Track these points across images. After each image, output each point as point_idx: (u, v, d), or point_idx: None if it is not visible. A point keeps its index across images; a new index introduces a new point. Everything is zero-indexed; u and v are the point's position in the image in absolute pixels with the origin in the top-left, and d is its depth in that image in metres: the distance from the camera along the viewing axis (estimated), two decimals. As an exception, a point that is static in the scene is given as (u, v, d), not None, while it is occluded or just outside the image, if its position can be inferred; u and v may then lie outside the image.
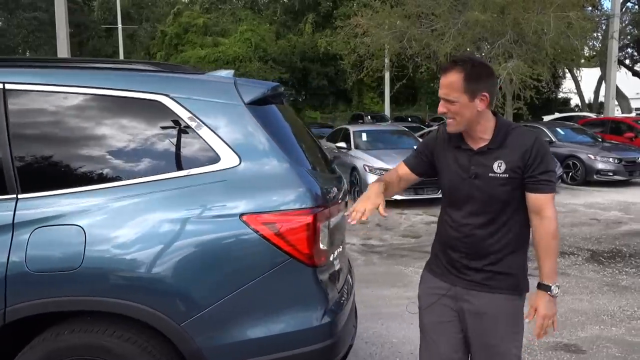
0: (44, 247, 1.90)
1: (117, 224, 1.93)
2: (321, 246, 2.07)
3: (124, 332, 1.95)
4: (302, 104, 33.21)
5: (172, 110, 2.04)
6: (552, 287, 1.85)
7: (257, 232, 1.96)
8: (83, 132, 2.05)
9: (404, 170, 2.10)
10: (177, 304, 1.93)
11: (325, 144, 11.88)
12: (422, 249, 6.10)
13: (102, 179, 2.00)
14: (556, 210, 1.87)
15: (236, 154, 2.02)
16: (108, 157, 2.04)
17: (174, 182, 1.99)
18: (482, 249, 1.90)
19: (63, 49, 12.65)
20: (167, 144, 2.06)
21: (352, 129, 10.75)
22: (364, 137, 10.31)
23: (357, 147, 9.97)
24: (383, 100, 28.16)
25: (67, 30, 12.54)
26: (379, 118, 25.31)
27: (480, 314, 1.91)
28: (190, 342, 1.93)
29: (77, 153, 2.04)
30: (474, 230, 1.90)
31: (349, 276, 2.63)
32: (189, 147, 2.05)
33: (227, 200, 1.99)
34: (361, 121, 24.20)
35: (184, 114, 2.04)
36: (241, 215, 1.96)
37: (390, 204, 8.74)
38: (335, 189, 2.37)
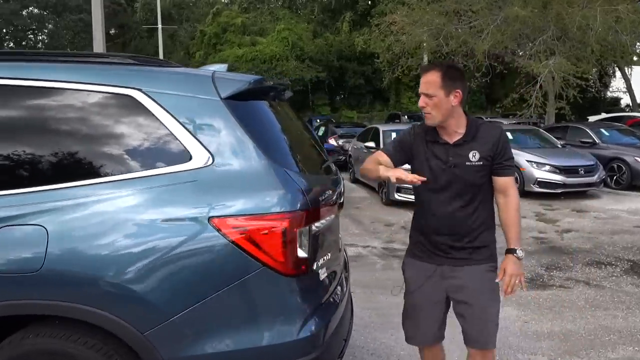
0: (4, 248, 1.81)
1: (81, 226, 1.82)
2: (300, 254, 1.90)
3: (89, 339, 1.84)
4: (339, 103, 33.01)
5: (143, 106, 1.91)
6: (517, 251, 2.18)
7: (227, 237, 1.81)
8: (46, 128, 1.94)
9: (384, 158, 2.28)
10: (140, 312, 1.80)
11: (355, 143, 11.69)
12: (446, 254, 5.80)
13: (66, 177, 1.89)
14: (517, 189, 2.27)
15: (209, 152, 1.88)
16: (73, 154, 1.93)
17: (140, 181, 1.86)
18: (463, 228, 2.21)
19: (99, 48, 12.90)
20: (137, 142, 1.93)
21: (382, 128, 10.48)
22: (394, 136, 9.99)
23: (385, 147, 9.68)
24: (421, 100, 27.59)
25: (103, 31, 12.78)
26: (416, 118, 24.78)
27: (465, 286, 2.22)
28: (154, 353, 1.80)
29: (40, 150, 1.93)
30: (455, 212, 2.20)
31: (343, 276, 2.46)
32: (159, 144, 1.91)
33: (196, 202, 1.84)
34: (397, 121, 23.78)
35: (156, 110, 1.91)
36: (210, 218, 1.81)
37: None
38: (325, 191, 2.19)
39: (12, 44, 30.08)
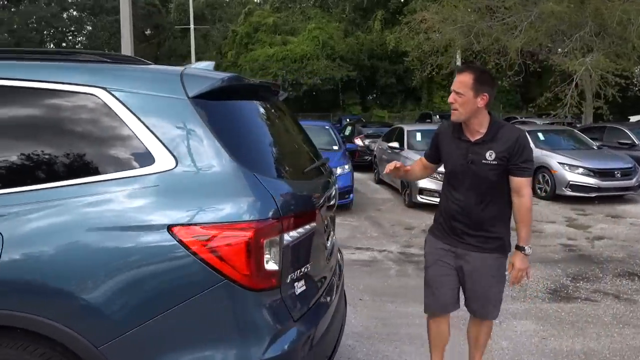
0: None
1: (34, 232, 1.71)
2: (268, 267, 1.74)
3: (48, 350, 1.73)
4: (370, 102, 32.69)
5: (107, 105, 1.79)
6: (526, 248, 2.45)
7: (187, 247, 1.67)
8: (2, 129, 1.84)
9: (426, 162, 2.72)
10: (95, 325, 1.68)
11: (380, 143, 11.43)
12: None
13: (23, 181, 1.79)
14: (531, 191, 2.45)
15: (172, 155, 1.74)
16: (29, 157, 1.82)
17: (98, 186, 1.75)
18: (476, 219, 2.46)
19: (127, 47, 13.10)
20: (98, 144, 1.82)
21: (406, 128, 10.20)
22: (419, 137, 9.71)
23: (410, 148, 9.42)
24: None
25: (130, 30, 12.98)
26: (448, 117, 24.22)
27: (474, 270, 2.51)
28: None
29: (-6, 152, 1.82)
30: (470, 204, 2.45)
31: (334, 284, 2.34)
32: (122, 147, 1.79)
33: (156, 208, 1.71)
34: (429, 120, 23.31)
35: (119, 110, 1.79)
36: (170, 227, 1.68)
37: (441, 209, 8.16)
38: (308, 197, 2.03)
39: (52, 45, 31.13)
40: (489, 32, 14.04)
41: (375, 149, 12.10)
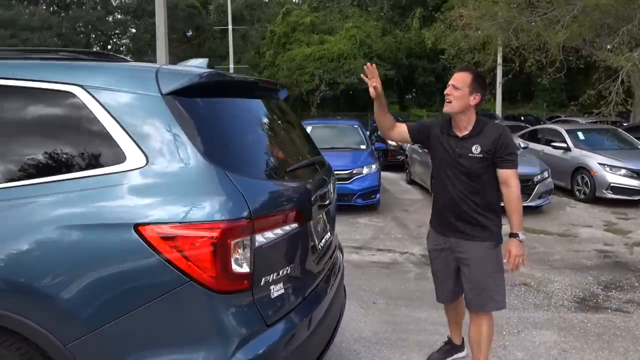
0: None
1: (3, 229, 1.70)
2: (237, 269, 1.67)
3: (24, 345, 1.72)
4: (408, 101, 32.24)
5: (83, 103, 1.78)
6: (519, 235, 2.58)
7: (152, 246, 1.63)
8: None
9: (403, 128, 2.85)
10: (62, 322, 1.67)
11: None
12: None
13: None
14: (518, 181, 2.59)
15: (144, 153, 1.71)
16: (6, 154, 1.81)
17: (70, 184, 1.74)
18: (462, 209, 2.62)
19: (162, 48, 13.36)
20: (72, 142, 1.81)
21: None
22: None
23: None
24: (495, 98, 26.20)
25: (165, 31, 13.23)
26: (488, 117, 23.58)
27: (466, 259, 2.66)
28: None
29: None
30: (457, 195, 2.62)
31: (329, 285, 2.30)
32: (95, 144, 1.77)
33: (124, 206, 1.68)
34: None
35: (94, 107, 1.77)
36: (137, 225, 1.64)
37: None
38: (290, 199, 1.94)
39: (97, 48, 32.33)
40: (529, 28, 13.50)
41: (407, 148, 11.86)
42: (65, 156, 1.78)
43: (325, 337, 2.26)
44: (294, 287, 1.97)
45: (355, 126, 9.51)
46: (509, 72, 15.71)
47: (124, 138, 1.73)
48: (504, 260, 2.63)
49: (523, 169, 7.87)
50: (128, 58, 2.12)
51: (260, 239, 1.75)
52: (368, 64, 2.66)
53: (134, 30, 32.94)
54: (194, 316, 1.66)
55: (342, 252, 3.06)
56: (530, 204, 7.65)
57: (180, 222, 1.63)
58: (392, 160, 13.18)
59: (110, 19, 32.10)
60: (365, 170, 7.99)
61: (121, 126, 1.74)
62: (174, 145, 1.71)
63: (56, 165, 1.77)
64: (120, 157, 1.72)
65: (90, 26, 30.21)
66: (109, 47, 33.82)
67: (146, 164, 1.70)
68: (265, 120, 2.26)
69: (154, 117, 1.74)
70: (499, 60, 17.84)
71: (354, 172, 7.89)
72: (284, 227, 1.88)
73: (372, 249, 5.99)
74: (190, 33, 36.98)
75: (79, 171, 1.74)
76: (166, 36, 12.88)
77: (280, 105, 2.62)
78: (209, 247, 1.62)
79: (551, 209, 8.17)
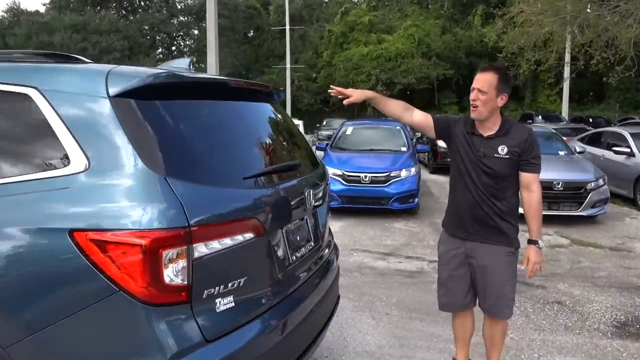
0: None
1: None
2: (170, 280, 1.58)
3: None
4: (468, 102, 31.10)
5: (36, 105, 1.75)
6: (539, 242, 2.51)
7: (84, 253, 1.57)
8: None
9: (429, 118, 2.68)
10: (2, 324, 1.64)
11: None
12: (525, 279, 4.89)
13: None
14: (540, 186, 2.52)
15: (86, 157, 1.66)
16: None
17: (11, 187, 1.71)
18: (484, 211, 2.50)
19: (212, 50, 13.64)
20: (22, 144, 1.79)
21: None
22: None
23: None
24: (562, 98, 24.73)
25: (216, 32, 13.53)
26: (553, 118, 22.29)
27: (484, 266, 2.55)
28: None
29: None
30: (475, 197, 2.50)
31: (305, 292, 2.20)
32: (42, 148, 1.74)
33: (62, 211, 1.64)
34: (530, 121, 21.62)
35: (46, 109, 1.74)
36: (71, 230, 1.58)
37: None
38: (246, 207, 1.84)
39: (161, 49, 33.76)
40: (596, 23, 12.56)
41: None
42: (14, 159, 1.77)
43: (299, 348, 2.13)
44: (249, 300, 1.85)
45: (398, 127, 9.22)
46: (573, 70, 14.72)
47: (71, 141, 1.69)
48: (521, 267, 2.56)
49: (575, 175, 7.40)
50: (85, 59, 2.07)
51: (202, 249, 1.65)
52: (333, 88, 2.62)
53: (196, 32, 34.03)
54: (124, 328, 1.58)
55: (337, 256, 2.90)
56: (581, 213, 7.09)
57: (112, 229, 1.57)
58: (441, 162, 12.72)
59: (175, 21, 33.38)
60: (403, 173, 7.72)
61: (68, 129, 1.70)
62: (116, 149, 1.65)
63: (4, 167, 1.75)
64: (65, 161, 1.68)
65: (155, 28, 31.57)
66: (173, 48, 35.23)
67: (88, 168, 1.65)
68: (237, 123, 2.15)
69: (100, 119, 1.69)
70: (567, 58, 16.76)
71: (391, 174, 7.64)
72: (235, 237, 1.77)
73: (400, 255, 5.75)
74: (251, 34, 37.71)
75: (27, 174, 1.72)
76: (216, 40, 13.19)
77: (268, 108, 2.50)
78: (138, 257, 1.54)
79: (606, 220, 7.53)
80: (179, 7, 34.23)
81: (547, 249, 6.13)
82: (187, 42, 34.60)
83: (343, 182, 7.74)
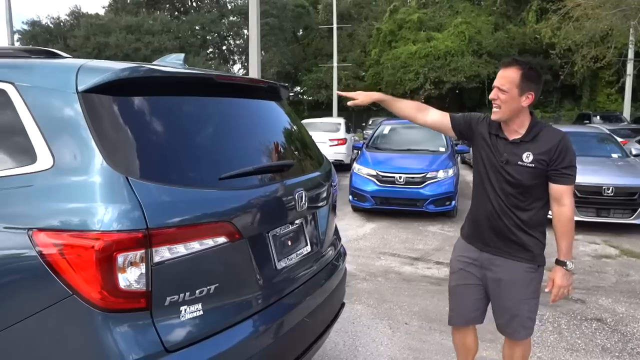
0: None
1: None
2: (126, 285, 1.49)
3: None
4: (521, 101, 29.91)
5: (11, 101, 1.71)
6: (567, 263, 2.20)
7: (41, 253, 1.51)
8: None
9: (446, 117, 2.43)
10: None
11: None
12: (563, 291, 4.54)
13: None
14: (573, 200, 2.20)
15: (52, 154, 1.60)
16: None
17: None
18: (504, 223, 2.25)
19: (254, 49, 13.71)
20: None
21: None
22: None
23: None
24: (624, 98, 23.27)
25: (258, 30, 13.46)
26: (612, 118, 21.01)
27: (500, 280, 2.31)
28: None
29: None
30: (501, 208, 2.25)
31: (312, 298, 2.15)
32: (12, 143, 1.69)
33: (24, 209, 1.58)
34: (587, 121, 20.47)
35: (19, 105, 1.70)
36: (30, 229, 1.51)
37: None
38: (218, 210, 1.73)
39: (211, 49, 34.49)
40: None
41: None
42: None
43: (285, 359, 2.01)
44: (221, 309, 1.74)
45: (437, 127, 8.87)
46: (637, 67, 13.78)
47: (39, 138, 1.63)
48: (546, 290, 2.28)
49: (627, 180, 6.85)
50: (64, 54, 2.01)
51: (164, 253, 1.55)
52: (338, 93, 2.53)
53: (245, 32, 34.52)
54: (77, 335, 1.51)
55: (343, 260, 2.75)
56: (634, 221, 6.56)
57: (69, 230, 1.49)
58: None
59: (225, 21, 34.01)
60: (440, 175, 7.42)
61: (38, 126, 1.65)
62: (80, 147, 1.58)
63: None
64: (32, 158, 1.62)
65: (205, 28, 32.31)
66: (224, 47, 35.92)
67: (52, 165, 1.59)
68: (223, 121, 2.03)
69: (67, 116, 1.63)
70: (630, 54, 15.78)
71: (427, 176, 7.36)
72: (204, 242, 1.65)
73: (430, 261, 5.49)
74: (300, 33, 37.90)
75: None
76: (258, 38, 13.22)
77: (266, 105, 2.38)
78: (91, 259, 1.46)
79: (664, 229, 6.92)
80: (229, 7, 34.84)
81: (592, 260, 5.69)
82: (237, 42, 35.20)
83: (377, 182, 7.54)
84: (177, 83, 1.91)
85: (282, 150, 2.30)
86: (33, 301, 1.51)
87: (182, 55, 2.31)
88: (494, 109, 2.21)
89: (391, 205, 7.51)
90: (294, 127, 2.59)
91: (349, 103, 2.47)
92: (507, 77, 2.14)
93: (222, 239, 1.71)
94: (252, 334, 1.82)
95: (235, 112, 2.15)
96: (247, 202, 1.85)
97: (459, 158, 15.84)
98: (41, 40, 30.12)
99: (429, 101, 30.16)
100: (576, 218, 6.64)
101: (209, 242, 1.67)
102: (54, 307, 1.48)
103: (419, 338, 3.55)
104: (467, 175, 13.03)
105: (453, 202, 7.45)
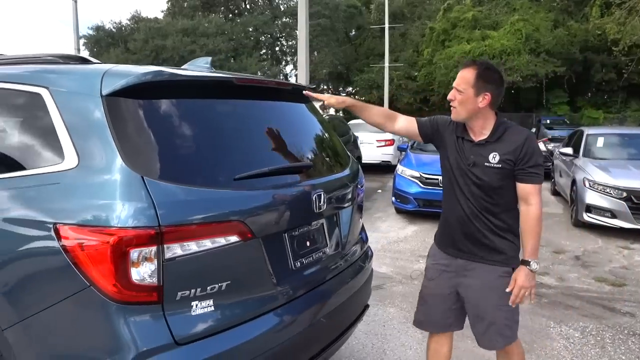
0: None
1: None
2: (139, 279, 1.57)
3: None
4: (582, 101, 28.54)
5: (45, 103, 1.84)
6: (532, 263, 2.16)
7: (63, 247, 1.62)
8: None
9: (413, 123, 2.41)
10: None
11: (559, 149, 9.84)
12: (611, 303, 4.32)
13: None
14: (541, 200, 2.17)
15: (77, 154, 1.71)
16: None
17: (13, 181, 1.82)
18: (476, 227, 2.22)
19: (302, 49, 13.82)
20: (31, 140, 1.90)
21: (588, 131, 8.51)
22: (600, 142, 8.00)
23: (587, 155, 7.82)
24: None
25: (306, 31, 13.58)
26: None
27: (474, 286, 2.26)
28: (11, 357, 1.71)
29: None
30: (470, 210, 2.21)
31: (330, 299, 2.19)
32: (45, 144, 1.82)
33: (52, 205, 1.69)
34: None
35: (52, 108, 1.83)
36: (56, 224, 1.64)
37: (614, 233, 6.60)
38: (231, 210, 1.78)
39: (264, 50, 35.05)
40: None
41: (555, 153, 10.45)
42: (22, 153, 1.90)
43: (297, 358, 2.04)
44: (232, 305, 1.79)
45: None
46: None
47: (67, 138, 1.75)
48: (507, 290, 2.19)
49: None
50: (94, 60, 2.12)
51: (176, 250, 1.63)
52: (307, 93, 2.40)
53: (297, 33, 34.89)
54: (93, 324, 1.61)
55: (368, 262, 2.74)
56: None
57: (89, 225, 1.59)
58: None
59: (279, 22, 34.47)
60: (486, 177, 7.20)
61: (66, 127, 1.76)
62: (102, 147, 1.68)
63: (12, 161, 1.87)
64: (61, 157, 1.74)
65: (259, 30, 32.87)
66: (276, 48, 36.42)
67: (77, 164, 1.70)
68: (242, 123, 2.09)
69: (92, 117, 1.73)
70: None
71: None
72: (216, 240, 1.71)
73: (470, 266, 5.35)
74: (352, 33, 37.82)
75: (30, 169, 1.82)
76: (307, 39, 13.34)
77: (290, 107, 2.42)
78: (107, 254, 1.56)
79: None
80: (282, 8, 35.30)
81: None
82: (289, 43, 35.58)
83: (420, 184, 7.44)
84: (197, 86, 1.98)
85: (302, 151, 2.32)
86: (57, 291, 1.62)
87: (209, 58, 2.39)
88: (452, 109, 2.20)
89: (434, 208, 7.35)
90: (319, 128, 2.61)
91: (317, 105, 2.46)
92: (463, 78, 2.14)
93: (234, 238, 1.76)
94: (264, 332, 1.86)
95: (257, 114, 2.20)
96: (261, 202, 1.90)
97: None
98: (104, 43, 31.71)
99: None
100: (631, 226, 6.29)
101: (221, 241, 1.72)
102: (74, 297, 1.59)
103: (459, 347, 3.47)
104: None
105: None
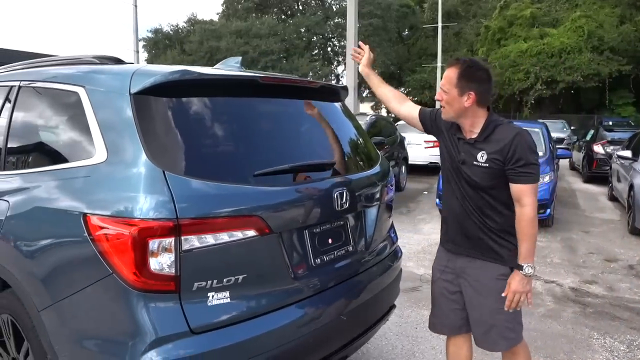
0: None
1: (19, 205, 2.02)
2: (157, 269, 1.66)
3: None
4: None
5: (81, 103, 1.97)
6: (525, 267, 2.09)
7: (90, 235, 1.73)
8: (21, 122, 2.25)
9: (416, 110, 2.44)
10: (36, 289, 1.88)
11: (618, 152, 9.32)
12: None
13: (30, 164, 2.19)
14: (536, 200, 2.08)
15: (107, 149, 1.82)
16: (33, 145, 2.19)
17: (50, 174, 1.97)
18: (471, 226, 2.20)
19: (350, 47, 13.77)
20: (66, 135, 2.04)
21: (649, 134, 8.02)
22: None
23: (647, 159, 7.38)
24: None
25: (355, 30, 13.53)
26: None
27: (474, 287, 2.22)
28: (45, 335, 1.84)
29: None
30: (465, 209, 2.20)
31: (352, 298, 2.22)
32: (78, 139, 1.96)
33: (82, 196, 1.81)
34: None
35: (87, 106, 1.95)
36: (85, 214, 1.75)
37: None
38: (249, 205, 1.83)
39: (316, 50, 35.31)
40: None
41: (613, 156, 9.91)
42: (60, 148, 2.05)
43: (313, 356, 2.07)
44: (248, 298, 1.84)
45: (537, 129, 8.31)
46: None
47: (98, 134, 1.87)
48: (502, 295, 2.14)
49: None
50: (129, 61, 2.25)
51: (194, 242, 1.70)
52: (360, 43, 2.47)
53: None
54: (114, 309, 1.70)
55: (396, 261, 2.73)
56: None
57: (114, 216, 1.69)
58: (597, 170, 11.20)
59: (331, 22, 34.61)
60: (535, 181, 6.94)
61: (99, 123, 1.88)
62: (128, 142, 1.78)
63: (50, 155, 2.01)
64: (91, 152, 1.86)
65: (310, 30, 33.14)
66: (328, 49, 36.59)
67: (106, 159, 1.80)
68: (266, 121, 2.14)
69: (121, 114, 1.83)
70: None
71: (519, 181, 6.92)
72: (233, 234, 1.77)
73: (512, 271, 5.18)
74: (405, 33, 37.42)
75: (64, 162, 1.97)
76: (356, 38, 13.25)
77: (320, 106, 2.45)
78: (128, 243, 1.64)
79: None
80: (334, 9, 35.41)
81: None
82: (341, 43, 35.61)
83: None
84: (222, 85, 2.05)
85: (326, 149, 2.35)
86: (84, 277, 1.73)
87: (240, 58, 2.45)
88: (441, 109, 2.21)
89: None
90: (347, 127, 2.62)
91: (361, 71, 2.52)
92: (447, 77, 2.11)
93: (251, 232, 1.81)
94: (281, 326, 1.90)
95: (282, 112, 2.25)
96: (279, 198, 1.94)
97: (566, 162, 14.67)
98: (161, 45, 33.00)
99: (540, 102, 28.19)
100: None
101: (238, 235, 1.78)
102: (99, 283, 1.69)
103: (486, 353, 3.38)
104: (574, 183, 12.02)
105: (548, 210, 6.94)
